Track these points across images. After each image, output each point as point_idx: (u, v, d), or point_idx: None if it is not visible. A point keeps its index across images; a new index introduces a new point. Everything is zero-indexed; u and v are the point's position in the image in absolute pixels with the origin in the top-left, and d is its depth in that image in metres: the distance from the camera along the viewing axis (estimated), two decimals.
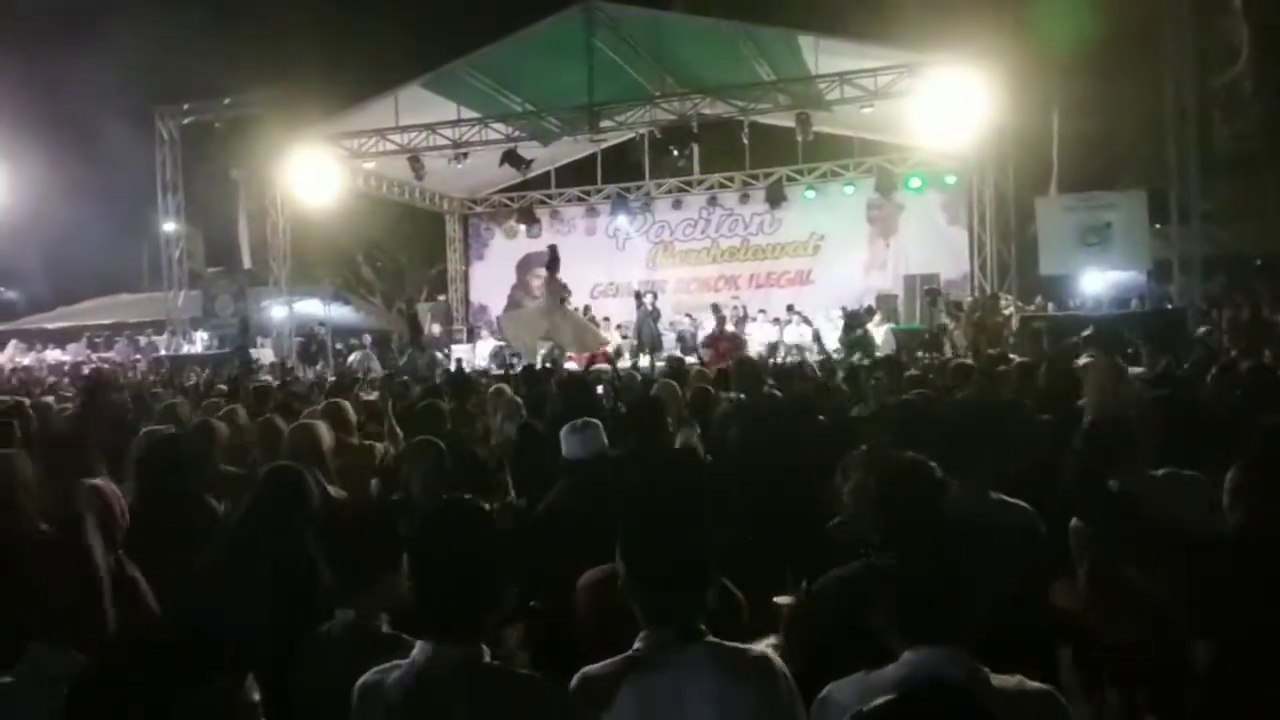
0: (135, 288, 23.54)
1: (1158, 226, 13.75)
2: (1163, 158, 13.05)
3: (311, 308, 18.92)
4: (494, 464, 3.99)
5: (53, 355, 19.16)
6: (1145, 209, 13.24)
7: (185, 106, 17.26)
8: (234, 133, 16.84)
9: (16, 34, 21.94)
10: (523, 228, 18.69)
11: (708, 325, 14.77)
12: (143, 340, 19.50)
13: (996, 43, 12.53)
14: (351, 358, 15.42)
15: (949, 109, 12.50)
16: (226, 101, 16.89)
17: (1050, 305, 15.11)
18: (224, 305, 17.23)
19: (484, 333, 17.81)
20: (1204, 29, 12.42)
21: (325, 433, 3.67)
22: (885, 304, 14.97)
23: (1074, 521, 2.54)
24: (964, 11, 13.44)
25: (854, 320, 12.80)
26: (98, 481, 2.61)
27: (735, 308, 15.47)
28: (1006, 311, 12.94)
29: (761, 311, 15.80)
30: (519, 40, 14.20)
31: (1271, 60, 11.73)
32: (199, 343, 17.44)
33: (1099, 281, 14.09)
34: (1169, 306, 12.81)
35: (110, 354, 18.80)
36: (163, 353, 17.24)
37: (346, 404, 4.63)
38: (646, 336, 14.10)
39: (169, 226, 17.77)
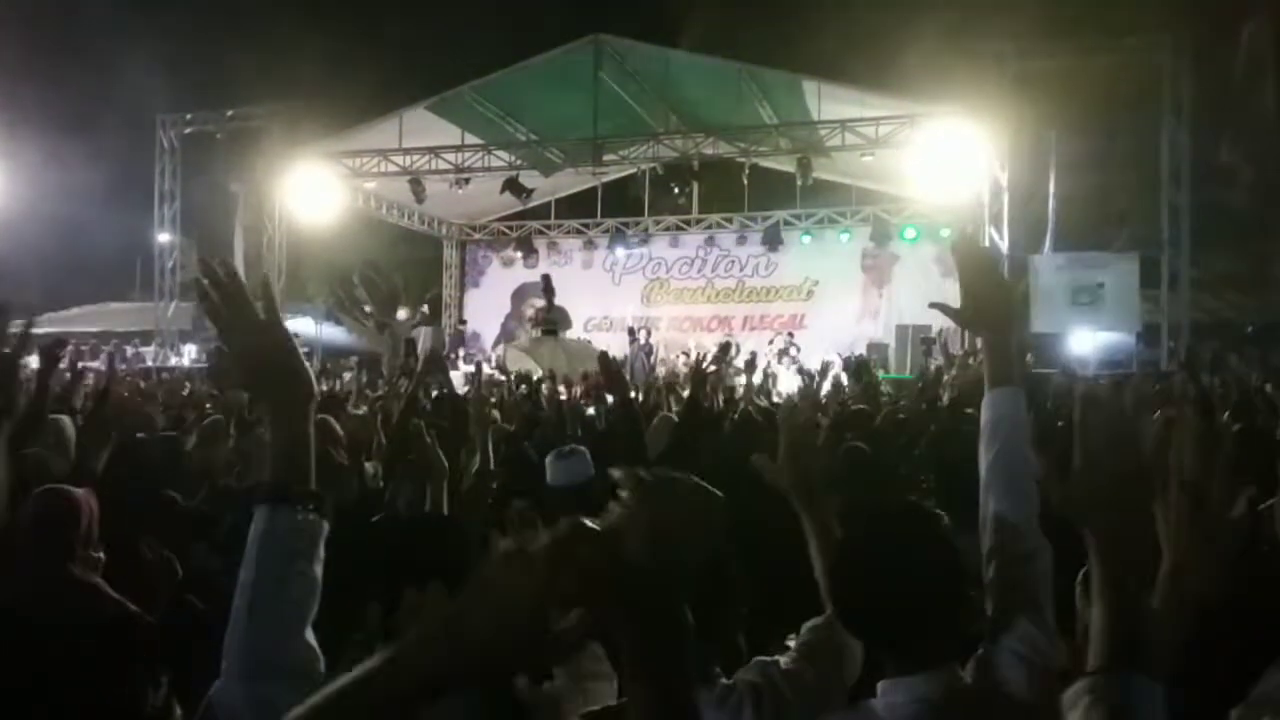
0: (126, 296, 23.34)
1: (1145, 290, 13.89)
2: (1156, 222, 13.25)
3: (303, 326, 18.77)
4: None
5: (35, 362, 18.85)
6: (1137, 272, 13.39)
7: (188, 116, 17.24)
8: (235, 145, 16.81)
9: (23, 35, 22.03)
10: (520, 257, 18.73)
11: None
12: (129, 350, 19.25)
13: (996, 99, 12.75)
14: (346, 377, 15.25)
15: (947, 162, 12.69)
16: (230, 114, 16.89)
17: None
18: None
19: (477, 359, 17.71)
20: (1209, 94, 12.69)
21: None
22: (876, 352, 14.98)
23: (1084, 574, 2.44)
24: (965, 67, 13.69)
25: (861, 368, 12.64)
26: (77, 491, 2.49)
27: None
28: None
29: (753, 352, 15.76)
30: (527, 70, 14.34)
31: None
32: (186, 356, 17.22)
33: (1088, 342, 14.15)
34: (1157, 370, 12.87)
35: (95, 363, 18.52)
36: (149, 364, 16.99)
37: (332, 420, 4.51)
38: (638, 372, 14.06)
39: (164, 236, 17.66)
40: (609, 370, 4.09)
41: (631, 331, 15.36)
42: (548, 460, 3.11)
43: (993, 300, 1.48)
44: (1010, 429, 1.44)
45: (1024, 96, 12.90)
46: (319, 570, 1.07)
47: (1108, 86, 13.37)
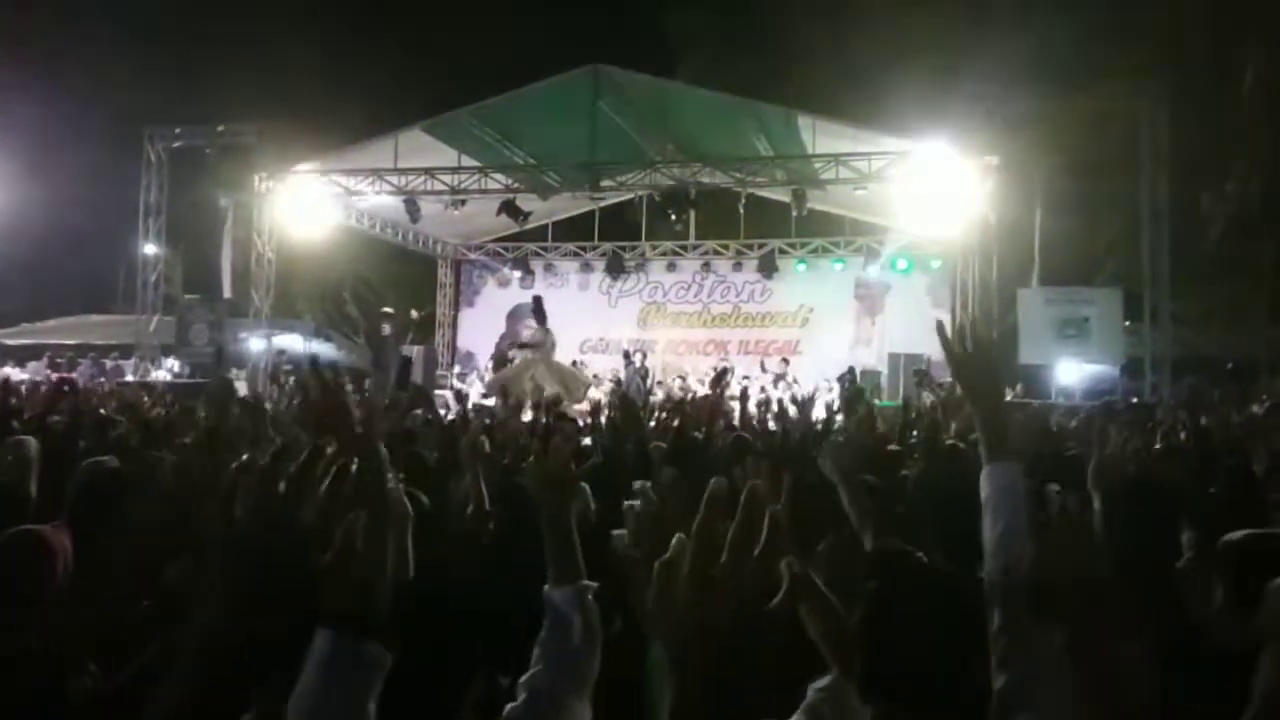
0: (109, 309, 22.96)
1: (1127, 324, 14.27)
2: (1138, 259, 13.65)
3: (292, 342, 18.57)
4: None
5: (11, 373, 18.45)
6: (1120, 307, 13.80)
7: (177, 130, 16.99)
8: (225, 160, 16.61)
9: (10, 44, 21.78)
10: (515, 277, 18.74)
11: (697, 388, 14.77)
12: (108, 364, 18.90)
13: (984, 139, 13.10)
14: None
15: (938, 196, 13.00)
16: (220, 128, 16.71)
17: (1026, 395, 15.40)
18: (199, 334, 16.79)
19: (470, 378, 17.64)
20: (1182, 138, 13.14)
21: None
22: (869, 380, 15.18)
23: None
24: (955, 107, 14.05)
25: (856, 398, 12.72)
26: (44, 529, 2.27)
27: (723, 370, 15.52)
28: None
29: (746, 378, 15.88)
30: (525, 95, 14.41)
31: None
32: (167, 370, 16.95)
33: (1074, 373, 14.47)
34: (1137, 400, 13.17)
35: (72, 375, 18.15)
36: (129, 378, 16.69)
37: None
38: (634, 395, 14.06)
39: (149, 249, 17.41)
40: (627, 409, 4.17)
41: (627, 355, 15.43)
42: None
43: (979, 377, 1.54)
44: (1011, 503, 1.45)
45: (1011, 136, 13.25)
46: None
47: (1091, 129, 13.80)
